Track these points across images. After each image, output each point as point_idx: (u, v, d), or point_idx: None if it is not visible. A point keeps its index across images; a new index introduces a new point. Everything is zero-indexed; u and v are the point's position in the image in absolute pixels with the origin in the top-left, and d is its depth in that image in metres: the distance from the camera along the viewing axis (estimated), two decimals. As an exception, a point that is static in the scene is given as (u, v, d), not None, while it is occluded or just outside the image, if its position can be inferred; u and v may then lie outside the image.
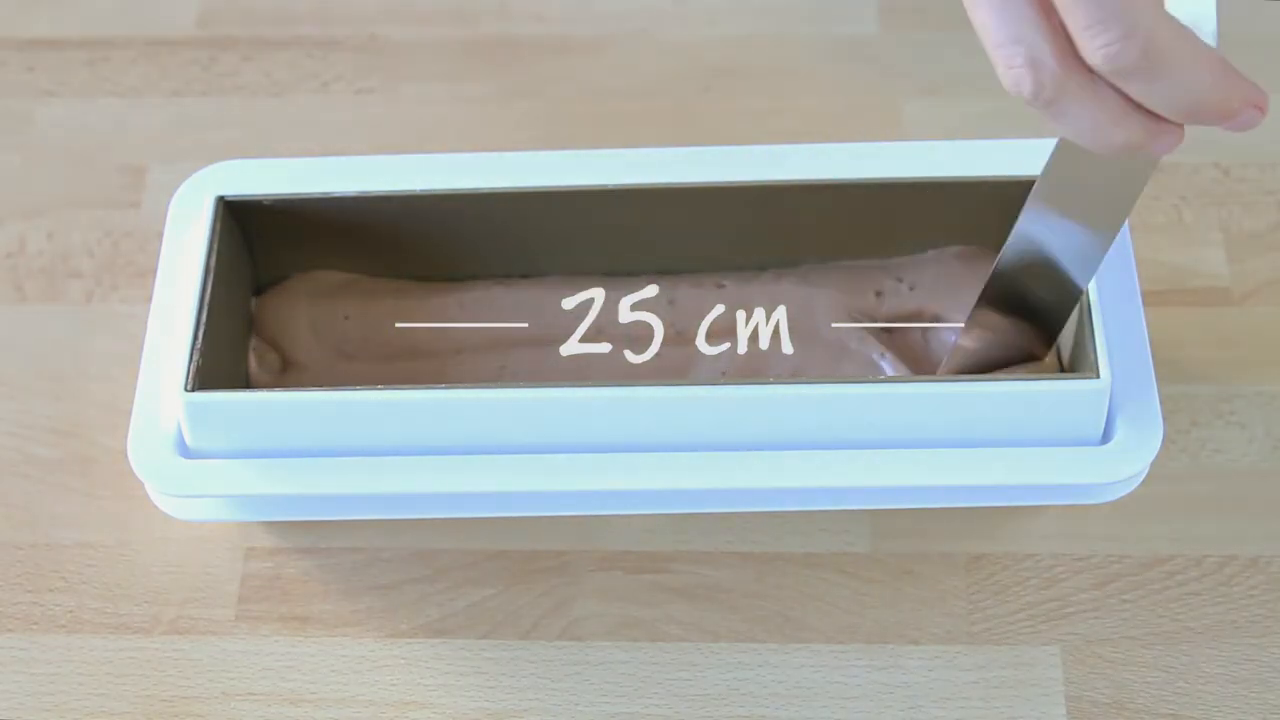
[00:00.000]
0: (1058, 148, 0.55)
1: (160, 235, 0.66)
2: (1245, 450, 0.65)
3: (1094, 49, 0.46)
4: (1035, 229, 0.58)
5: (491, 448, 0.59)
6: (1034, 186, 0.57)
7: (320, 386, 0.61)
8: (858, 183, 0.63)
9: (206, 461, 0.60)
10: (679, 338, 0.65)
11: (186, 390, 0.59)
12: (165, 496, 0.62)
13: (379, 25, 0.79)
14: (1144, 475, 0.61)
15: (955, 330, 0.64)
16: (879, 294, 0.65)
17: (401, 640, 0.62)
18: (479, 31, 0.79)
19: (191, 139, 0.76)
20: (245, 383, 0.64)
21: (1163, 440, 0.59)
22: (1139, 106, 0.49)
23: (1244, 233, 0.71)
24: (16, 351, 0.70)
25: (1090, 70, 0.47)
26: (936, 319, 0.64)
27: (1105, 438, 0.59)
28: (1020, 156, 0.64)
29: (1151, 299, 0.66)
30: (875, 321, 0.65)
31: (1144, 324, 0.61)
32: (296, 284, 0.67)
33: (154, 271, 0.65)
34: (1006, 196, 0.63)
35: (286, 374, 0.65)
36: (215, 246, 0.62)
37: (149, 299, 0.64)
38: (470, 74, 0.77)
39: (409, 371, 0.65)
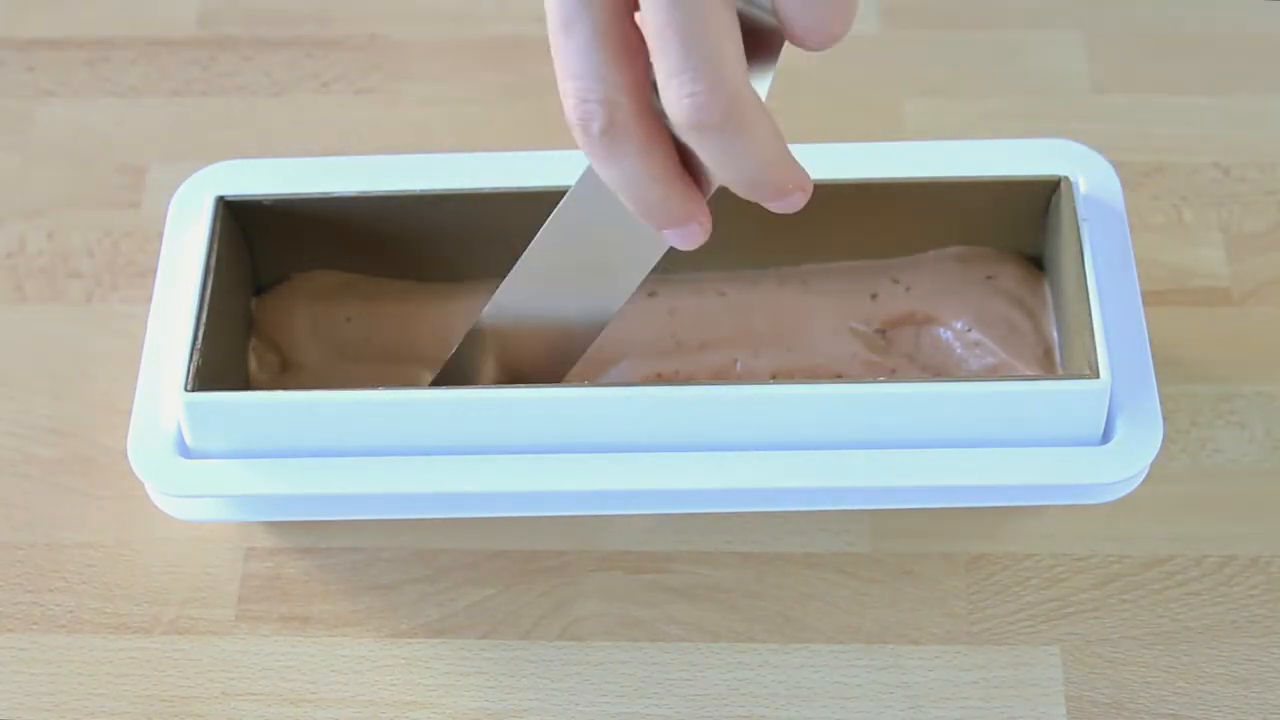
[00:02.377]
0: (581, 182, 0.55)
1: (160, 235, 0.66)
2: (1245, 450, 0.65)
3: (680, 96, 0.46)
4: (539, 264, 0.58)
5: (491, 448, 0.59)
6: (553, 213, 0.56)
7: (320, 387, 0.60)
8: (858, 183, 0.63)
9: (206, 461, 0.60)
10: (679, 348, 0.65)
11: (186, 390, 0.59)
12: (165, 496, 0.62)
13: (379, 25, 0.79)
14: (1144, 475, 0.61)
15: (950, 330, 0.64)
16: (874, 297, 0.65)
17: (401, 640, 0.62)
18: (479, 31, 0.79)
19: (191, 139, 0.76)
20: (245, 383, 0.64)
21: (1163, 440, 0.59)
22: (687, 178, 0.49)
23: (1244, 233, 0.71)
24: (16, 351, 0.70)
25: (659, 123, 0.48)
26: (931, 320, 0.64)
27: (1105, 438, 0.59)
28: (1020, 156, 0.64)
29: (1151, 299, 0.66)
30: (871, 325, 0.65)
31: (1144, 324, 0.61)
32: (297, 284, 0.67)
33: (154, 271, 0.65)
34: (1006, 197, 0.64)
35: (286, 374, 0.65)
36: (215, 246, 0.62)
37: (149, 299, 0.64)
38: (470, 74, 0.77)
39: (409, 374, 0.65)
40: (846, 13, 0.47)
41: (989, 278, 0.65)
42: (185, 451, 0.60)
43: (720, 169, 0.48)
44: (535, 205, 0.64)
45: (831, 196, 0.64)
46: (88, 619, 0.63)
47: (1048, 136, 0.65)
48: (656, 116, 0.48)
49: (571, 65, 0.48)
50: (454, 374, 0.62)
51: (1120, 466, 0.59)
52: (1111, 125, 0.74)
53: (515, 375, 0.61)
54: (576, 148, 0.65)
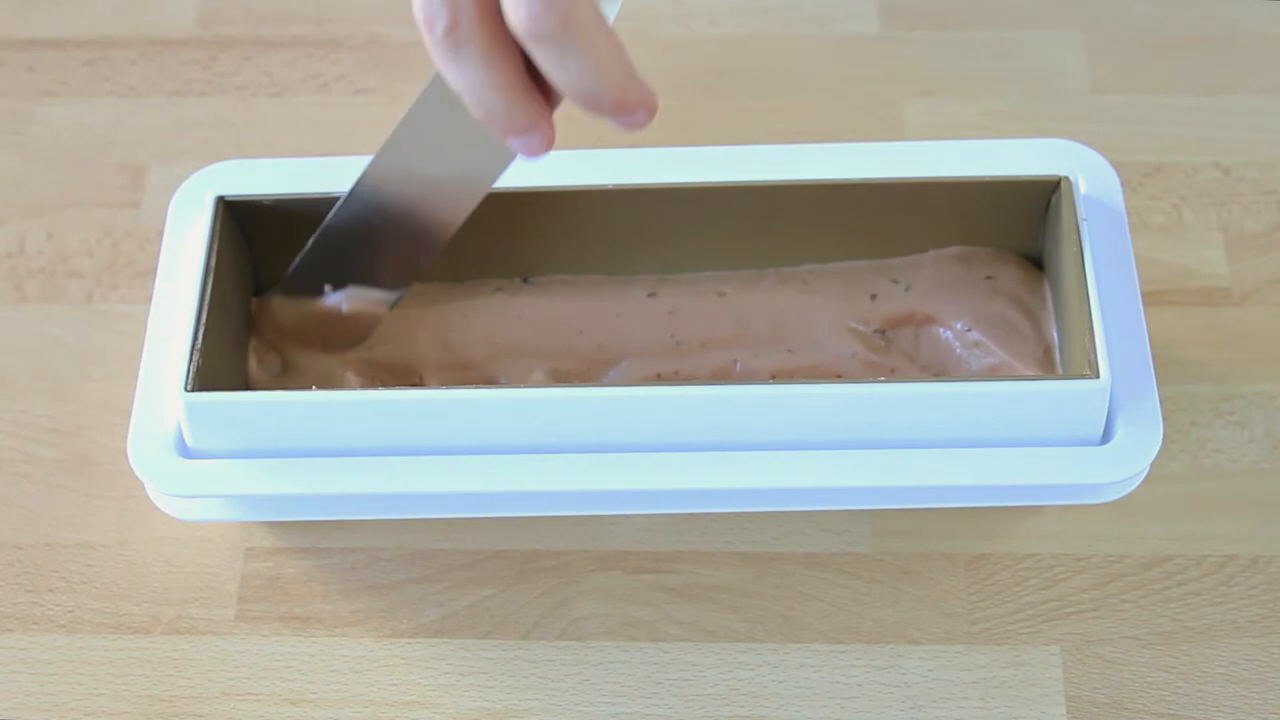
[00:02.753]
0: (429, 88, 0.56)
1: (160, 235, 0.66)
2: (1245, 450, 0.65)
3: (517, 3, 0.48)
4: (390, 166, 0.59)
5: (491, 448, 0.59)
6: (398, 124, 0.58)
7: (320, 387, 0.60)
8: (858, 183, 0.63)
9: (206, 461, 0.60)
10: (679, 348, 0.65)
11: (186, 390, 0.59)
12: (165, 496, 0.62)
13: (379, 25, 0.79)
14: (1144, 475, 0.61)
15: (950, 330, 0.64)
16: (874, 297, 0.65)
17: (401, 640, 0.62)
18: (479, 31, 0.79)
19: (191, 139, 0.76)
20: (245, 383, 0.64)
21: (1163, 440, 0.59)
22: (531, 88, 0.50)
23: (1244, 233, 0.71)
24: (16, 351, 0.70)
25: (504, 30, 0.49)
26: (930, 320, 0.64)
27: (1105, 438, 0.59)
28: (1020, 156, 0.64)
29: (1151, 299, 0.66)
30: (871, 325, 0.65)
31: (1144, 324, 0.61)
32: (297, 284, 0.67)
33: (154, 271, 0.65)
34: (1006, 197, 0.64)
35: (286, 375, 0.65)
36: (215, 246, 0.62)
37: (149, 299, 0.64)
38: (470, 74, 0.77)
39: (409, 374, 0.65)
40: None
41: (989, 278, 0.65)
42: (185, 451, 0.60)
43: (558, 79, 0.49)
44: (535, 204, 0.64)
45: (831, 196, 0.64)
46: (88, 619, 0.63)
47: (1048, 136, 0.65)
48: (502, 24, 0.49)
49: None
50: (305, 277, 0.62)
51: (1120, 466, 0.59)
52: (1111, 125, 0.74)
53: (366, 276, 0.62)
54: (576, 147, 0.66)
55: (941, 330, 0.64)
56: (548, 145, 0.52)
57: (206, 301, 0.61)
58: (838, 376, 0.64)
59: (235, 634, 0.63)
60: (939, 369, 0.64)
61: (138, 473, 0.60)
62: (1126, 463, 0.59)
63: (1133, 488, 0.61)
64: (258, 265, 0.66)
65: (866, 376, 0.63)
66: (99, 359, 0.69)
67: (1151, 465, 0.60)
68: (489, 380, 0.64)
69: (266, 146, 0.75)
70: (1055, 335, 0.64)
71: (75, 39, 0.79)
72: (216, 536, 0.65)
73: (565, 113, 0.76)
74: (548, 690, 0.61)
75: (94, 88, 0.78)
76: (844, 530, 0.64)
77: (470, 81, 0.50)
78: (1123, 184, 0.64)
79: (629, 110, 0.50)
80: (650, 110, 0.51)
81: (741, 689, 0.61)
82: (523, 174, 0.64)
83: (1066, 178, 0.63)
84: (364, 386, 0.60)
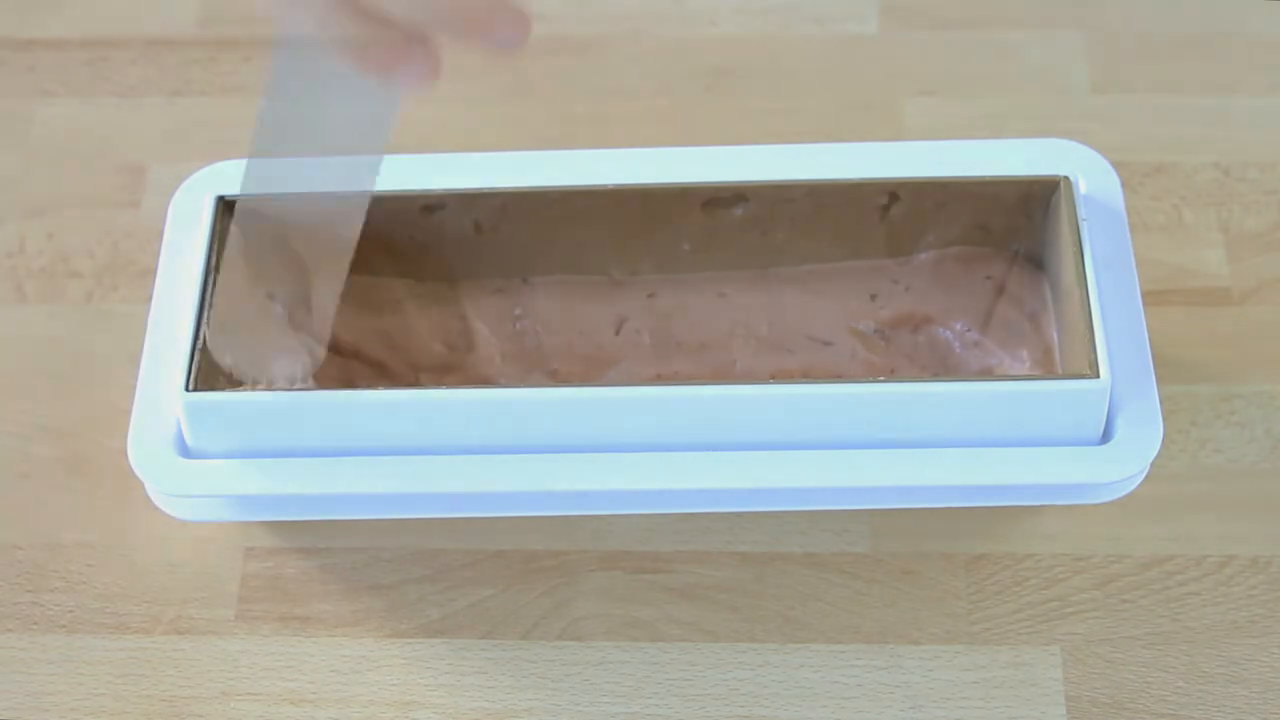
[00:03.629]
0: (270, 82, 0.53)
1: (160, 235, 0.66)
2: (1245, 450, 0.65)
3: None
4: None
5: (491, 448, 0.59)
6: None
7: (320, 387, 0.61)
8: (858, 183, 0.63)
9: (206, 461, 0.60)
10: (679, 348, 0.65)
11: (186, 390, 0.59)
12: (165, 496, 0.62)
13: (379, 25, 0.79)
14: (1144, 475, 0.61)
15: (950, 330, 0.64)
16: (874, 297, 0.65)
17: (401, 640, 0.62)
18: (479, 31, 0.79)
19: (191, 139, 0.76)
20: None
21: (1163, 440, 0.59)
22: (384, 22, 0.48)
23: (1244, 233, 0.71)
24: (16, 351, 0.70)
25: None
26: (930, 320, 0.64)
27: (1105, 438, 0.59)
28: (1020, 156, 0.64)
29: (1151, 299, 0.66)
30: (871, 325, 0.65)
31: (1144, 324, 0.61)
32: (296, 284, 0.67)
33: (154, 271, 0.65)
34: (1006, 197, 0.64)
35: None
36: (215, 246, 0.62)
37: (149, 299, 0.64)
38: (470, 74, 0.77)
39: (408, 374, 0.64)
40: None
41: (989, 278, 0.65)
42: (185, 451, 0.60)
43: (392, 12, 0.47)
44: (535, 205, 0.64)
45: (831, 196, 0.64)
46: (88, 619, 0.63)
47: (1048, 136, 0.65)
48: None
49: None
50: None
51: (1120, 466, 0.59)
52: (1111, 125, 0.74)
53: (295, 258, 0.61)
54: (575, 147, 0.66)
55: (941, 330, 0.64)
56: (433, 73, 0.49)
57: (206, 301, 0.61)
58: (838, 376, 0.64)
59: (235, 634, 0.63)
60: (939, 369, 0.64)
61: (138, 473, 0.60)
62: (1126, 463, 0.59)
63: (1133, 488, 0.61)
64: (258, 265, 0.66)
65: (866, 376, 0.63)
66: (99, 359, 0.69)
67: (1151, 465, 0.60)
68: (488, 380, 0.64)
69: (267, 146, 0.75)
70: (1055, 335, 0.64)
71: (75, 39, 0.79)
72: (216, 536, 0.65)
73: (566, 113, 0.76)
74: (548, 690, 0.61)
75: (94, 88, 0.78)
76: (844, 530, 0.64)
77: (321, 30, 0.48)
78: (1123, 184, 0.64)
79: (486, 29, 0.47)
80: (518, 27, 0.47)
81: (741, 689, 0.61)
82: (522, 174, 0.64)
83: (1066, 178, 0.63)
84: (363, 386, 0.60)
